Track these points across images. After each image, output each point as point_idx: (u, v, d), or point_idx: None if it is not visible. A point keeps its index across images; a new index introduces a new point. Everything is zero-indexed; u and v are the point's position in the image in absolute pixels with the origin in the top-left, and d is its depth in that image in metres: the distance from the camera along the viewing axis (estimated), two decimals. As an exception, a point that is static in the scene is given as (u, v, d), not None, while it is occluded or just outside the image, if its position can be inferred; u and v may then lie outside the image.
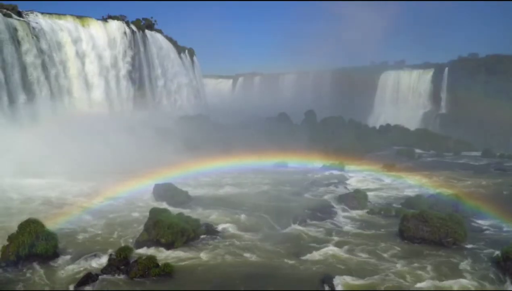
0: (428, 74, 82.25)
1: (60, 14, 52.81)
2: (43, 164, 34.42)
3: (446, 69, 78.44)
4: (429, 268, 19.25)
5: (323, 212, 27.67)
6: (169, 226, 21.52)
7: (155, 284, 17.82)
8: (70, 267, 19.18)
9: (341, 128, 66.23)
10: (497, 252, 19.91)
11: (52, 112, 46.75)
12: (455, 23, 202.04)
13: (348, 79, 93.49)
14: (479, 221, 26.22)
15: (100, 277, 18.09)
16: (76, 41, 52.08)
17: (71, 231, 23.33)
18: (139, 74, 63.15)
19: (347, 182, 36.97)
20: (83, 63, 52.80)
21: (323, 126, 68.17)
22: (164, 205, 27.19)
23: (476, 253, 21.02)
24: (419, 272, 18.83)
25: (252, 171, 40.97)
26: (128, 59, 60.43)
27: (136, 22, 64.55)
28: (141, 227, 22.83)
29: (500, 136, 64.59)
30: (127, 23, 62.12)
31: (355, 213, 27.98)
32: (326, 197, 31.97)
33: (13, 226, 20.40)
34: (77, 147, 38.91)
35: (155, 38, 68.07)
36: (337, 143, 53.61)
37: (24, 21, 46.16)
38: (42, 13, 50.13)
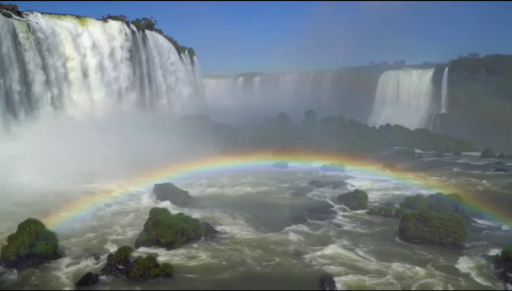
0: (428, 74, 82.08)
1: (60, 14, 52.85)
2: (42, 163, 34.39)
3: (446, 69, 78.27)
4: (429, 268, 19.24)
5: (323, 212, 27.74)
6: (169, 226, 21.54)
7: (155, 284, 17.82)
8: (70, 267, 19.19)
9: (341, 128, 66.28)
10: (497, 252, 19.90)
11: (51, 113, 46.74)
12: (455, 23, 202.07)
13: (348, 79, 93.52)
14: (479, 221, 26.20)
15: (100, 277, 18.10)
16: (76, 41, 52.07)
17: (71, 231, 23.33)
18: (139, 74, 63.15)
19: (347, 182, 36.93)
20: (83, 63, 52.76)
21: (323, 126, 68.20)
22: (164, 205, 27.14)
23: (476, 253, 21.01)
24: (419, 272, 18.80)
25: (252, 171, 40.92)
26: (128, 59, 60.41)
27: (136, 22, 64.51)
28: (141, 227, 22.84)
29: (500, 136, 64.45)
30: (127, 23, 62.06)
31: (355, 213, 27.97)
32: (326, 197, 31.99)
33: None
34: (76, 147, 38.87)
35: (155, 38, 68.01)
36: (337, 144, 53.57)
37: (24, 21, 46.12)
38: (42, 13, 50.11)
